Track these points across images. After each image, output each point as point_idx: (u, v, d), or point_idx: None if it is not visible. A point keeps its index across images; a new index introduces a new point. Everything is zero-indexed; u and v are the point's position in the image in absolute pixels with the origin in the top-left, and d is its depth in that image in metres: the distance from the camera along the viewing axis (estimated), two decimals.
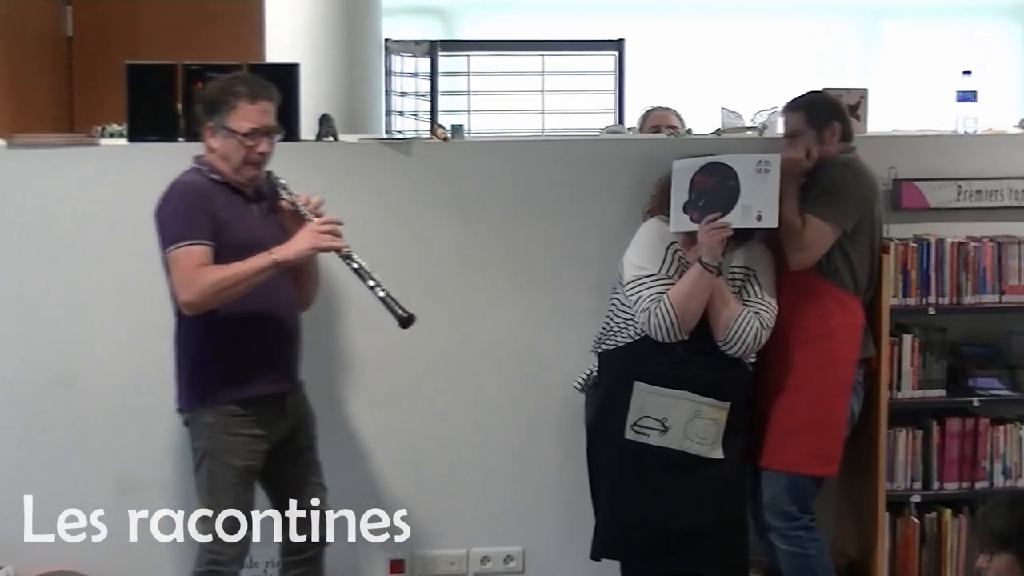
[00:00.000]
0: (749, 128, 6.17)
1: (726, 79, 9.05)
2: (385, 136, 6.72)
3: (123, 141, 5.79)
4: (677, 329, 5.36)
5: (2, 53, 8.18)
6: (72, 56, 8.36)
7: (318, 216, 5.13)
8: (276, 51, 7.30)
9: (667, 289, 5.38)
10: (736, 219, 5.36)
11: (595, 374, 5.60)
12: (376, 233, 5.29)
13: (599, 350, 5.59)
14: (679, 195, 5.40)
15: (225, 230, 5.05)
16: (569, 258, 5.89)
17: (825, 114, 5.66)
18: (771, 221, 5.37)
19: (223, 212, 5.08)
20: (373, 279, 5.09)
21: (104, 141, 5.85)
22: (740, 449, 5.51)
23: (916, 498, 6.04)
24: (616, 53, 7.04)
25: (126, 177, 5.69)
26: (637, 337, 5.45)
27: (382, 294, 5.09)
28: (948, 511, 6.07)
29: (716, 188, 5.37)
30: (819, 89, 5.88)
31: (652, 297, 5.38)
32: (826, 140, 5.62)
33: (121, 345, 5.72)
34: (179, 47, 6.94)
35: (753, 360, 5.51)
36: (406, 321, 5.09)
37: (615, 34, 7.08)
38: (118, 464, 5.74)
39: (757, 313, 5.43)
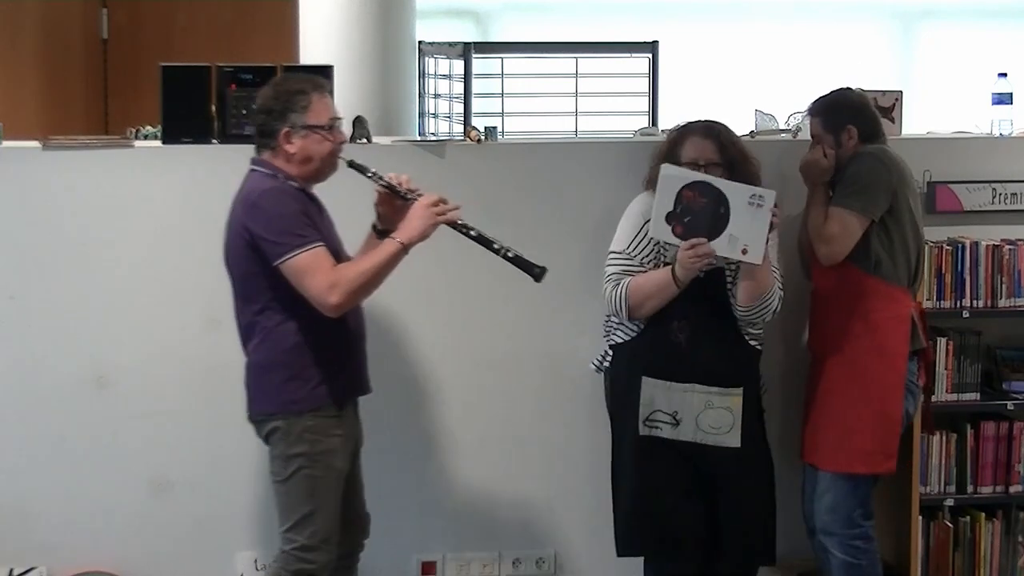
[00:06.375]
0: (783, 130, 6.16)
1: (760, 81, 9.03)
2: (419, 138, 6.73)
3: (157, 143, 5.81)
4: (625, 316, 5.38)
5: (38, 55, 8.24)
6: (107, 58, 8.40)
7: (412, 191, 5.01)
8: (310, 53, 7.31)
9: (629, 272, 5.39)
10: (722, 248, 5.29)
11: (608, 359, 5.57)
12: None
13: (610, 341, 5.56)
14: (663, 203, 5.31)
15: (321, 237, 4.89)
16: (601, 260, 5.87)
17: (840, 118, 5.60)
18: (756, 257, 5.30)
19: (314, 218, 4.92)
20: (497, 242, 5.02)
21: (138, 143, 5.86)
22: (758, 434, 5.47)
23: (950, 502, 6.03)
24: (650, 55, 7.01)
25: (160, 179, 5.71)
26: (639, 330, 5.44)
27: (512, 255, 5.03)
28: (982, 515, 6.05)
29: (704, 209, 5.29)
30: (843, 88, 5.77)
31: (613, 276, 5.41)
32: (844, 143, 5.59)
33: (153, 346, 5.73)
34: (213, 49, 6.98)
35: (758, 341, 5.46)
36: (540, 275, 5.05)
37: (649, 36, 7.06)
38: (150, 465, 5.75)
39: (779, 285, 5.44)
